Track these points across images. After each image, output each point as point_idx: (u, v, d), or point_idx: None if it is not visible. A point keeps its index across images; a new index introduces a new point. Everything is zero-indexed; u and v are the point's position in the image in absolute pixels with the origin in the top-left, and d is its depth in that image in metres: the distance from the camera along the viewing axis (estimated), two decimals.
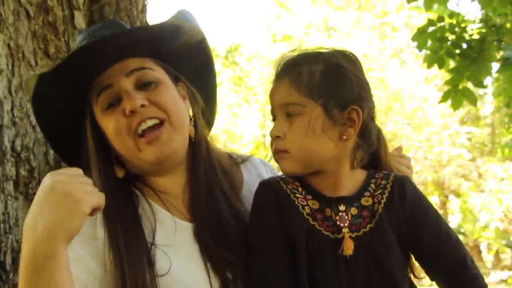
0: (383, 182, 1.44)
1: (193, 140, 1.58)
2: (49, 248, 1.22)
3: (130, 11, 2.39)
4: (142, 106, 1.45)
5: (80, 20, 2.26)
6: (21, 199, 1.97)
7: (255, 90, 16.08)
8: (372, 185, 1.44)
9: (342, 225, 1.37)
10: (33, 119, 2.05)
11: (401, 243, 1.38)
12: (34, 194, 1.98)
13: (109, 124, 1.47)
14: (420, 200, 1.43)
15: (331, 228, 1.37)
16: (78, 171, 1.33)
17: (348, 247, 1.34)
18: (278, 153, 1.42)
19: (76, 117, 1.55)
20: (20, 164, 1.98)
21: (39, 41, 2.11)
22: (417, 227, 1.39)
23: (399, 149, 1.67)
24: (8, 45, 2.02)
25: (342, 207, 1.40)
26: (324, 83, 1.38)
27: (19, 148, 1.98)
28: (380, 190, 1.42)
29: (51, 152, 2.08)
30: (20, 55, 2.05)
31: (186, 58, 1.64)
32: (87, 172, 1.46)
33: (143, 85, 1.49)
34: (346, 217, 1.39)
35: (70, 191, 1.24)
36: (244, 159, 1.73)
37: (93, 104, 1.51)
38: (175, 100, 1.53)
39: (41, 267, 1.22)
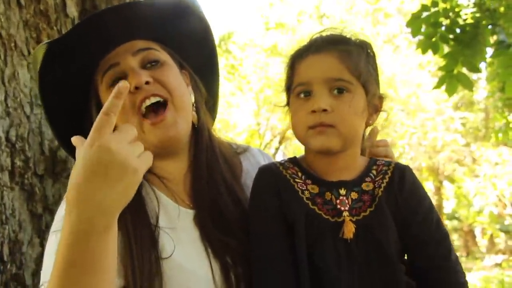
0: (385, 168, 1.46)
1: (196, 126, 1.59)
2: (109, 220, 1.17)
3: None
4: (147, 83, 1.47)
5: (72, 9, 2.24)
6: (17, 189, 1.96)
7: (248, 79, 16.04)
8: (374, 171, 1.46)
9: (342, 208, 1.38)
10: (27, 109, 2.03)
11: (397, 228, 1.39)
12: (30, 184, 1.99)
13: None
14: (417, 189, 1.45)
15: (332, 212, 1.38)
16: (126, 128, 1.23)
17: (349, 230, 1.34)
18: (321, 127, 1.38)
19: (80, 101, 1.56)
20: (15, 154, 1.97)
21: (31, 30, 2.10)
22: (411, 214, 1.40)
23: (372, 133, 1.66)
24: (0, 35, 2.00)
25: (342, 191, 1.40)
26: (368, 68, 1.44)
27: (13, 139, 1.97)
28: (381, 176, 1.44)
29: (46, 142, 2.07)
30: (12, 44, 2.03)
31: (191, 48, 1.65)
32: None
33: (149, 64, 1.52)
34: (347, 201, 1.39)
35: (124, 161, 1.15)
36: (244, 149, 1.75)
37: (99, 83, 1.53)
38: (179, 81, 1.55)
39: (98, 239, 1.16)
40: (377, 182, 1.43)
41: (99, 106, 1.52)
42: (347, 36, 1.48)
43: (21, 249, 1.93)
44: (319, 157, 1.45)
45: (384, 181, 1.43)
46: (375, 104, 1.47)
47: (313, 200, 1.39)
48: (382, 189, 1.41)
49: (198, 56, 1.69)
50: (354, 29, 1.51)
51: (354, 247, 1.35)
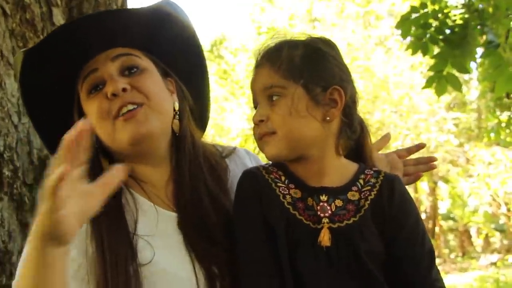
0: (373, 180, 1.42)
1: (177, 134, 1.57)
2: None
3: (110, 6, 2.36)
4: (124, 90, 1.45)
5: (58, 17, 2.23)
6: (6, 199, 1.95)
7: (241, 83, 16.05)
8: (361, 181, 1.42)
9: (322, 215, 1.35)
10: (14, 118, 2.03)
11: (383, 241, 1.37)
12: (19, 194, 1.98)
13: (92, 108, 1.48)
14: (405, 203, 1.42)
15: (312, 218, 1.35)
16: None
17: (325, 238, 1.32)
18: (262, 138, 1.40)
19: (65, 108, 1.55)
20: (3, 164, 1.96)
21: (17, 39, 2.09)
22: (397, 229, 1.38)
23: (383, 140, 1.71)
24: None
25: (323, 197, 1.38)
26: (304, 65, 1.38)
27: (1, 148, 1.96)
28: (369, 187, 1.41)
29: (35, 151, 2.06)
30: None
31: (177, 55, 1.64)
32: None
33: (128, 71, 1.50)
34: (328, 207, 1.37)
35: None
36: (230, 151, 1.73)
37: (80, 90, 1.52)
38: (158, 87, 1.53)
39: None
40: (363, 193, 1.40)
41: (81, 114, 1.52)
42: (286, 40, 1.45)
43: (11, 260, 1.92)
44: (294, 163, 1.43)
45: (372, 193, 1.40)
46: (330, 98, 1.39)
47: (294, 205, 1.37)
48: (368, 202, 1.38)
49: (185, 63, 1.67)
50: (302, 32, 1.49)
51: (334, 255, 1.32)
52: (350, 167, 1.46)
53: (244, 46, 16.71)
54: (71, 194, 1.11)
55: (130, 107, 1.45)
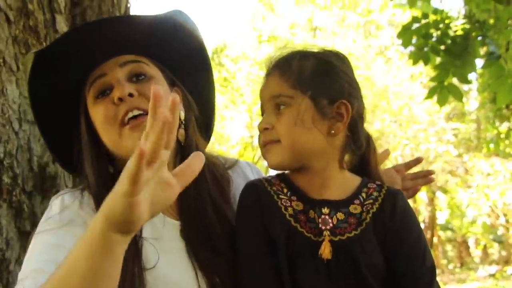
0: (375, 193, 1.42)
1: (182, 144, 1.58)
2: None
3: (113, 13, 2.37)
4: (131, 95, 1.45)
5: (62, 24, 2.23)
6: (5, 206, 1.93)
7: (241, 91, 16.07)
8: (363, 194, 1.42)
9: (323, 228, 1.35)
10: (15, 125, 2.02)
11: (383, 255, 1.36)
12: (18, 201, 1.97)
13: (98, 112, 1.49)
14: (408, 218, 1.42)
15: (314, 230, 1.35)
16: None
17: (326, 251, 1.32)
18: (266, 145, 1.41)
19: (71, 115, 1.56)
20: (3, 171, 1.94)
21: (20, 46, 2.08)
22: (398, 245, 1.37)
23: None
24: None
25: (325, 210, 1.38)
26: (313, 77, 1.39)
27: (1, 155, 1.94)
28: (371, 201, 1.41)
29: (35, 158, 2.05)
30: (1, 60, 2.01)
31: (185, 64, 1.64)
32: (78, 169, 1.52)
33: (136, 77, 1.51)
34: (330, 220, 1.36)
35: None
36: (233, 163, 1.74)
37: (87, 95, 1.52)
38: (165, 95, 1.52)
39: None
40: (365, 206, 1.40)
41: (89, 119, 1.53)
42: (298, 50, 1.46)
43: (8, 268, 1.90)
44: (297, 174, 1.44)
45: (374, 207, 1.39)
46: (337, 112, 1.39)
47: (295, 217, 1.37)
48: (370, 215, 1.38)
49: (192, 73, 1.68)
50: (314, 44, 1.52)
51: (333, 267, 1.32)
52: (353, 180, 1.46)
53: (244, 54, 16.73)
54: (151, 180, 1.04)
55: (136, 112, 1.45)
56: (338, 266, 1.32)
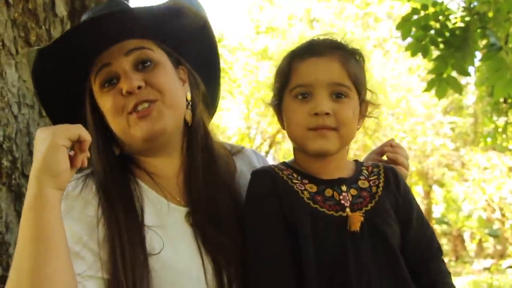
0: (376, 169, 1.52)
1: (189, 124, 1.58)
2: (35, 188, 1.29)
3: None
4: (139, 87, 1.46)
5: (61, 8, 2.22)
6: (4, 189, 1.93)
7: (239, 82, 16.02)
8: (365, 171, 1.51)
9: (346, 204, 1.41)
10: (15, 109, 2.01)
11: (399, 226, 1.45)
12: (17, 184, 1.96)
13: (107, 102, 1.50)
14: (408, 188, 1.53)
15: (334, 207, 1.40)
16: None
17: (356, 223, 1.37)
18: (323, 129, 1.42)
19: (75, 96, 1.57)
20: (2, 155, 1.94)
21: (19, 29, 2.07)
22: (409, 210, 1.47)
23: (393, 141, 1.76)
24: None
25: (344, 187, 1.44)
26: (363, 76, 1.51)
27: (1, 139, 1.94)
28: (375, 176, 1.50)
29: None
30: (0, 43, 2.00)
31: (189, 42, 1.65)
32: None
33: (142, 65, 1.51)
34: (347, 197, 1.42)
35: (46, 132, 1.32)
36: (239, 150, 1.74)
37: (92, 82, 1.53)
38: (172, 81, 1.54)
39: (28, 207, 1.29)
40: (372, 181, 1.48)
41: (94, 103, 1.55)
42: (345, 43, 1.51)
43: (8, 251, 1.90)
44: (313, 159, 1.46)
45: (381, 180, 1.48)
46: (364, 111, 1.53)
47: (313, 199, 1.40)
48: (380, 188, 1.46)
49: (198, 52, 1.68)
50: (348, 36, 1.55)
51: (359, 239, 1.37)
52: (350, 162, 1.57)
53: (242, 44, 16.67)
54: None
55: (146, 105, 1.46)
56: (364, 238, 1.37)
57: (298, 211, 1.38)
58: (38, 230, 1.26)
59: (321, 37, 1.50)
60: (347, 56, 1.46)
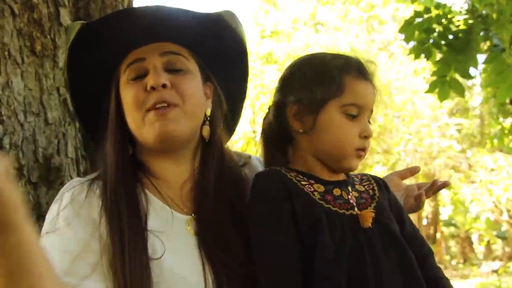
0: (364, 177, 1.59)
1: (206, 140, 1.59)
2: None
3: (116, 7, 2.38)
4: (164, 86, 1.47)
5: (66, 17, 2.25)
6: None
7: None
8: (356, 178, 1.56)
9: (354, 203, 1.45)
10: (21, 117, 2.04)
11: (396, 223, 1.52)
12: (24, 192, 1.99)
13: (128, 94, 1.51)
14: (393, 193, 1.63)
15: (344, 205, 1.43)
16: None
17: (368, 219, 1.42)
18: (364, 151, 1.51)
19: (104, 87, 1.59)
20: None
21: (25, 39, 2.10)
22: (401, 212, 1.56)
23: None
24: None
25: (350, 188, 1.49)
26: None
27: (7, 146, 1.97)
28: (367, 182, 1.56)
29: (40, 149, 2.07)
30: (6, 53, 2.04)
31: (223, 64, 1.66)
32: (99, 146, 1.56)
33: (173, 70, 1.52)
34: (353, 197, 1.48)
35: None
36: (246, 161, 1.74)
37: (122, 73, 1.55)
38: (197, 91, 1.55)
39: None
40: (366, 186, 1.54)
41: (118, 96, 1.55)
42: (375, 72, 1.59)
43: None
44: (320, 164, 1.50)
45: (373, 185, 1.55)
46: None
47: (324, 199, 1.42)
48: (377, 191, 1.53)
49: (229, 74, 1.69)
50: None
51: (371, 234, 1.41)
52: None
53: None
54: None
55: (165, 104, 1.47)
56: (374, 233, 1.42)
57: (314, 211, 1.38)
58: None
59: (362, 60, 1.56)
60: (375, 83, 1.57)
